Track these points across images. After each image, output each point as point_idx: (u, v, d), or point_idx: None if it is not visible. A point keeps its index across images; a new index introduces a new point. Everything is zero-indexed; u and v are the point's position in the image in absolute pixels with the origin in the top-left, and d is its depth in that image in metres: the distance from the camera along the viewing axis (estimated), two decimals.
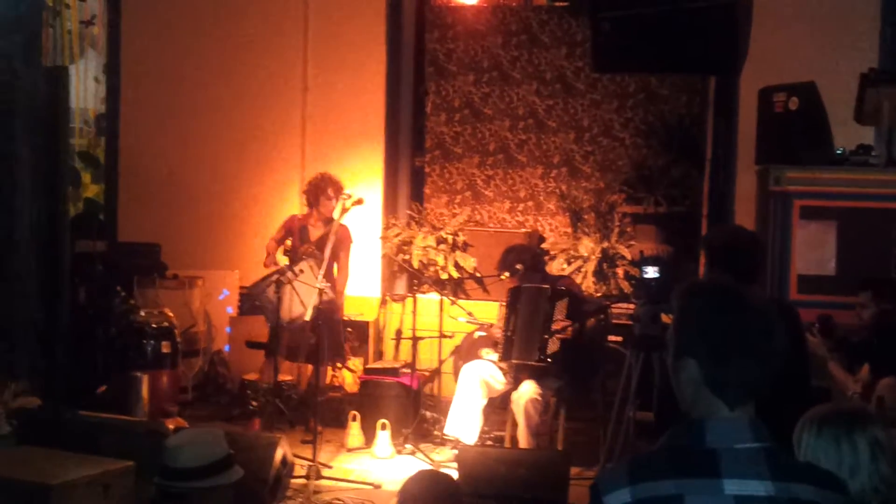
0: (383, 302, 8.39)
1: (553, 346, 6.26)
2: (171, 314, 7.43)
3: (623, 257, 7.82)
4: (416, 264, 8.19)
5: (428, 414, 7.00)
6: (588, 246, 7.89)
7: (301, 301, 6.67)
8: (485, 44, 8.81)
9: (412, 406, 6.94)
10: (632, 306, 6.78)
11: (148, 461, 4.87)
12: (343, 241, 7.08)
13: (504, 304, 6.61)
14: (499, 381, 6.45)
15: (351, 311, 8.06)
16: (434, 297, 7.25)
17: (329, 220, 7.36)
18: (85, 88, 9.30)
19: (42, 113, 6.78)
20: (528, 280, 6.55)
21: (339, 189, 7.31)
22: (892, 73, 6.69)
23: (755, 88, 6.85)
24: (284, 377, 7.44)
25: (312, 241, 7.25)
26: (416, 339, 7.07)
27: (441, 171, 8.94)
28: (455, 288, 8.18)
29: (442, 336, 7.01)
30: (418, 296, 7.31)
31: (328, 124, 8.66)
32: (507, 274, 6.68)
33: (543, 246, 8.08)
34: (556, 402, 6.33)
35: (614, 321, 6.97)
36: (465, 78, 8.85)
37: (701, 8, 6.25)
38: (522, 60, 8.74)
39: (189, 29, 8.84)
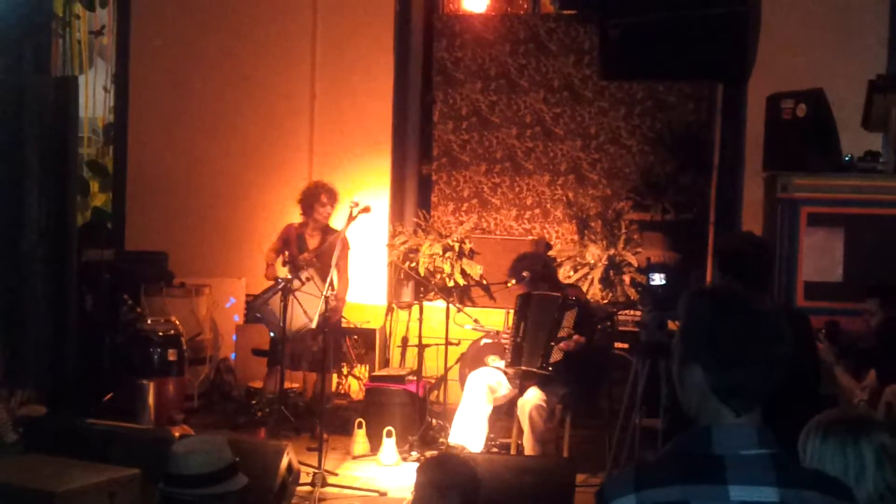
0: (389, 309, 8.39)
1: (556, 355, 6.24)
2: (177, 322, 7.44)
3: (630, 264, 7.81)
4: (422, 272, 8.19)
5: (434, 421, 6.99)
6: (595, 253, 7.89)
7: (304, 310, 6.67)
8: (492, 52, 8.82)
9: (418, 413, 6.93)
10: (638, 313, 6.78)
11: (154, 469, 4.87)
12: (343, 248, 7.07)
13: (513, 310, 6.60)
14: (505, 388, 6.44)
15: (357, 319, 8.07)
16: (440, 304, 7.24)
17: (325, 228, 7.38)
18: (94, 98, 9.34)
19: (51, 122, 6.81)
20: (535, 288, 6.54)
21: (333, 195, 7.34)
22: None
23: (763, 95, 6.83)
24: (291, 385, 7.44)
25: (311, 250, 7.27)
26: (422, 347, 7.06)
27: (448, 178, 8.95)
28: (461, 295, 8.17)
29: (448, 343, 7.00)
30: (425, 303, 7.30)
31: (336, 132, 8.67)
32: (513, 281, 6.67)
33: (550, 253, 8.07)
34: (562, 409, 6.31)
35: (621, 328, 6.96)
36: (473, 86, 8.86)
37: (709, 15, 6.25)
38: (530, 68, 8.75)
39: (197, 39, 8.87)
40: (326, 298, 6.36)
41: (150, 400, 6.73)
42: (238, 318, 8.49)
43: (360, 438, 6.74)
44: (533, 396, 6.12)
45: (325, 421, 6.41)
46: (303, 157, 8.73)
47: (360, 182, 8.33)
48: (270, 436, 6.63)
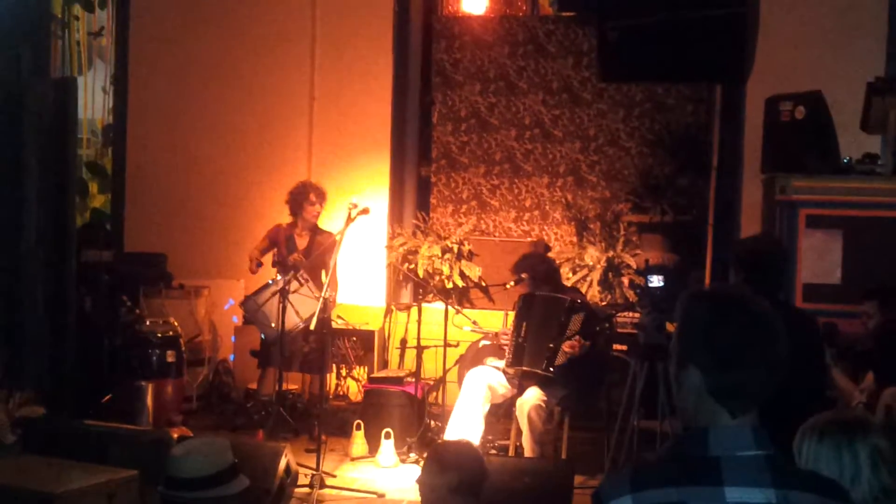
0: (388, 311, 8.39)
1: (561, 358, 6.23)
2: (176, 323, 7.44)
3: (628, 266, 7.81)
4: (421, 273, 8.19)
5: (432, 423, 6.99)
6: (594, 255, 7.89)
7: (296, 311, 6.68)
8: (491, 54, 8.83)
9: (416, 415, 6.93)
10: (637, 315, 6.78)
11: (152, 470, 4.87)
12: (331, 248, 7.05)
13: (514, 310, 6.58)
14: (503, 387, 6.44)
15: (356, 320, 8.08)
16: (439, 306, 7.24)
17: (314, 228, 7.38)
18: (93, 99, 9.34)
19: (50, 123, 6.81)
20: (536, 289, 6.53)
21: (321, 194, 7.34)
22: None
23: (761, 97, 6.84)
24: (289, 386, 7.44)
25: (300, 250, 7.27)
26: (420, 348, 7.06)
27: (447, 180, 8.95)
28: (460, 297, 8.17)
29: (447, 345, 6.99)
30: (423, 305, 7.30)
31: (335, 134, 8.68)
32: (512, 283, 6.67)
33: (549, 255, 8.07)
34: (561, 410, 6.31)
35: (619, 330, 6.96)
36: (472, 88, 8.87)
37: (707, 17, 6.25)
38: (529, 70, 8.76)
39: (196, 40, 8.88)
40: (325, 300, 6.36)
41: (149, 401, 6.73)
42: (237, 320, 8.49)
43: (358, 440, 6.75)
44: (532, 396, 6.12)
45: (323, 422, 6.41)
46: (302, 158, 8.73)
47: (359, 183, 8.34)
48: (269, 437, 6.63)
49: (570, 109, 8.68)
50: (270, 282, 6.96)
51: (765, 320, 1.90)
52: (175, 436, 5.59)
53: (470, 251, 8.33)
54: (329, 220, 7.65)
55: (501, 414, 6.58)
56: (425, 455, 3.85)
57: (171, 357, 7.16)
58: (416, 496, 6.00)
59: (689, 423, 1.92)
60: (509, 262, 7.03)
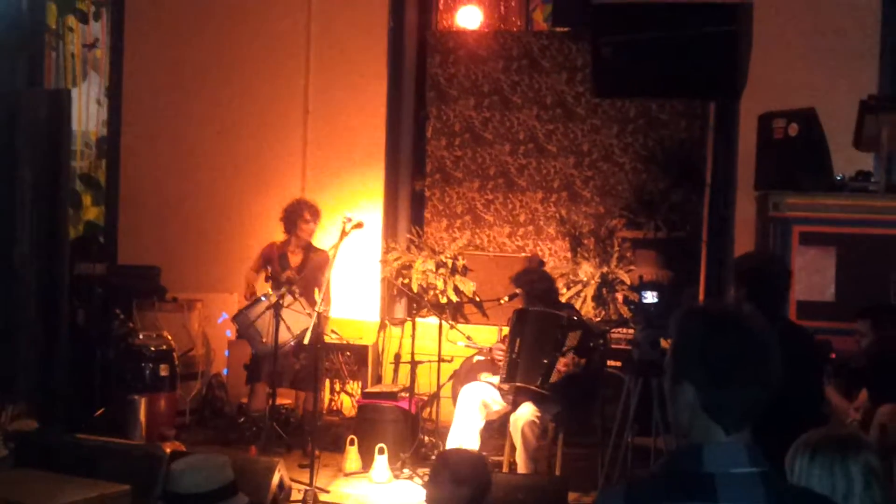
0: (382, 326, 8.38)
1: (555, 376, 6.22)
2: (169, 337, 7.42)
3: (622, 282, 7.82)
4: (415, 288, 8.19)
5: (426, 438, 6.97)
6: (587, 271, 7.90)
7: (287, 327, 6.67)
8: (486, 69, 8.85)
9: (410, 430, 6.91)
10: (631, 331, 6.78)
11: (145, 484, 4.86)
12: (324, 266, 7.05)
13: (508, 325, 6.58)
14: (497, 403, 6.43)
15: (350, 335, 8.07)
16: (433, 321, 7.24)
17: (308, 245, 7.38)
18: (87, 111, 9.32)
19: (44, 135, 6.79)
20: (531, 305, 6.52)
21: (316, 213, 7.35)
22: (891, 100, 6.71)
23: (755, 114, 6.86)
24: (282, 401, 7.43)
25: (293, 268, 7.26)
26: (414, 363, 7.05)
27: (441, 195, 8.96)
28: (454, 312, 8.17)
29: (441, 360, 6.99)
30: (417, 320, 7.30)
31: (329, 148, 8.69)
32: (506, 299, 6.68)
33: (544, 270, 8.07)
34: (555, 426, 6.30)
35: (613, 346, 6.96)
36: (466, 102, 8.89)
37: (701, 34, 6.29)
38: (523, 85, 8.78)
39: (191, 53, 8.89)
40: (319, 315, 6.35)
41: (142, 415, 6.71)
42: (230, 334, 8.47)
43: (351, 455, 6.72)
44: (526, 412, 6.11)
45: (316, 437, 6.39)
46: (296, 172, 8.73)
47: (353, 198, 8.34)
48: (262, 452, 6.60)
49: (564, 124, 8.71)
50: (263, 297, 6.95)
51: (759, 337, 1.90)
52: (168, 450, 5.56)
53: (464, 266, 8.34)
54: (323, 234, 7.65)
55: (495, 430, 6.57)
56: (432, 467, 3.84)
57: (164, 371, 7.15)
58: None
59: (684, 439, 1.92)
60: (503, 277, 7.04)
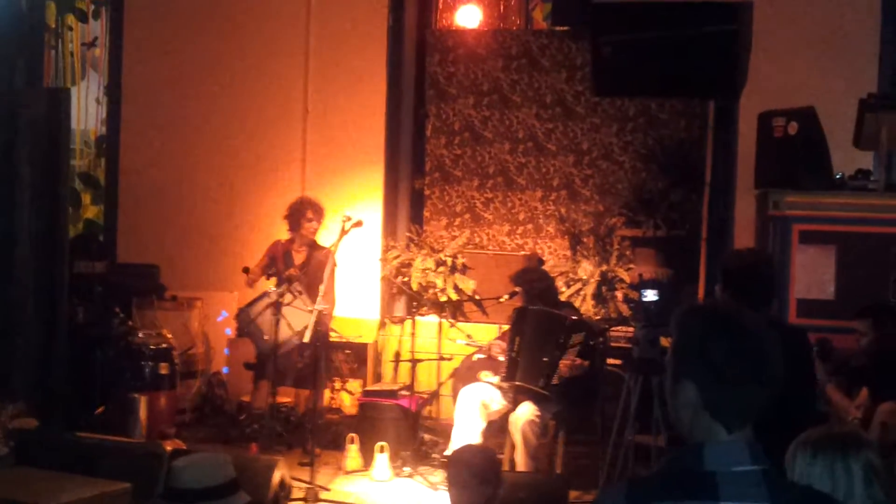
0: (382, 324, 8.38)
1: (558, 378, 6.22)
2: (169, 335, 7.42)
3: (622, 280, 7.82)
4: (415, 286, 8.19)
5: (426, 436, 6.98)
6: (587, 269, 7.90)
7: (289, 324, 6.67)
8: (485, 67, 8.85)
9: (411, 428, 6.91)
10: (631, 329, 6.78)
11: (145, 483, 4.86)
12: (326, 262, 7.06)
13: (508, 324, 6.57)
14: (498, 403, 6.43)
15: (349, 333, 8.07)
16: (433, 319, 7.25)
17: (312, 243, 7.40)
18: (86, 110, 9.33)
19: (43, 134, 6.80)
20: (531, 304, 6.52)
21: (319, 211, 7.37)
22: (890, 99, 6.71)
23: (754, 113, 6.86)
24: (283, 399, 7.43)
25: (297, 265, 7.27)
26: (414, 362, 7.06)
27: (441, 193, 8.96)
28: (454, 310, 8.17)
29: (441, 358, 6.99)
30: (417, 318, 7.31)
31: (328, 146, 8.68)
32: (506, 297, 6.68)
33: (544, 268, 8.07)
34: (556, 425, 6.30)
35: (613, 344, 6.95)
36: (466, 101, 8.89)
37: (701, 33, 6.29)
38: (522, 84, 8.78)
39: (190, 51, 8.89)
40: (319, 313, 6.36)
41: (142, 414, 6.71)
42: (230, 332, 8.47)
43: (352, 454, 6.73)
44: (526, 412, 6.11)
45: (317, 436, 6.39)
46: (295, 170, 8.73)
47: (353, 196, 8.34)
48: (262, 450, 6.61)
49: (563, 123, 8.71)
50: (265, 294, 6.95)
51: (760, 335, 1.90)
52: (168, 448, 5.57)
53: (463, 264, 8.34)
54: (323, 232, 7.65)
55: (496, 429, 6.57)
56: (449, 469, 3.85)
57: (164, 369, 7.14)
58: None
59: (685, 437, 1.93)
60: (503, 275, 7.04)
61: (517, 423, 6.09)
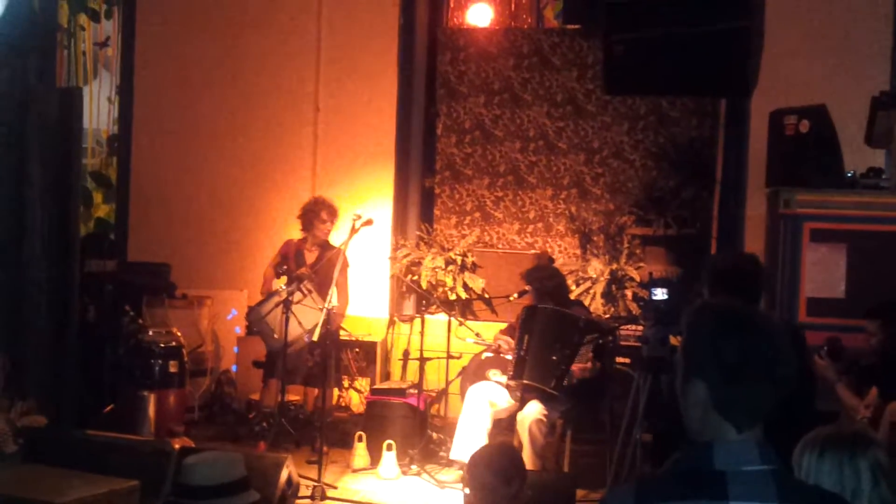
0: (391, 322, 8.39)
1: (571, 380, 6.21)
2: (179, 334, 7.43)
3: (632, 279, 7.80)
4: (424, 285, 8.19)
5: (434, 435, 6.97)
6: (597, 267, 7.88)
7: (299, 323, 6.67)
8: (496, 66, 8.84)
9: (419, 427, 6.91)
10: (640, 328, 6.76)
11: (154, 480, 4.87)
12: (343, 264, 7.07)
13: (518, 322, 6.56)
14: (505, 401, 6.42)
15: (359, 332, 8.07)
16: (442, 317, 7.24)
17: (324, 244, 7.40)
18: (98, 109, 9.36)
19: (55, 133, 6.82)
20: (540, 302, 6.50)
21: (333, 212, 7.38)
22: None
23: (766, 111, 6.84)
24: (291, 398, 7.44)
25: (309, 265, 7.28)
26: (423, 360, 7.05)
27: (451, 192, 8.95)
28: (463, 309, 8.17)
29: (449, 357, 6.99)
30: (426, 316, 7.30)
31: (339, 145, 8.69)
32: (515, 295, 6.67)
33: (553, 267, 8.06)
34: (563, 423, 6.29)
35: (622, 343, 6.94)
36: (476, 100, 8.88)
37: (712, 31, 6.28)
38: (533, 82, 8.77)
39: (201, 51, 8.90)
40: (328, 311, 6.36)
41: (151, 411, 6.72)
42: (239, 330, 8.49)
43: (360, 452, 6.73)
44: (533, 411, 6.09)
45: (325, 434, 6.40)
46: (306, 169, 8.74)
47: (363, 195, 8.35)
48: (270, 448, 6.61)
49: (574, 122, 8.69)
50: (276, 293, 6.96)
51: (770, 334, 1.90)
52: (177, 446, 5.57)
53: (473, 263, 8.33)
54: (333, 233, 7.65)
55: (504, 427, 6.56)
56: (470, 471, 3.83)
57: (173, 367, 7.16)
58: None
59: (695, 436, 1.92)
60: (513, 274, 7.03)
61: (524, 421, 6.08)
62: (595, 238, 8.32)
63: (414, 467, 6.60)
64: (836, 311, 6.09)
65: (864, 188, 6.40)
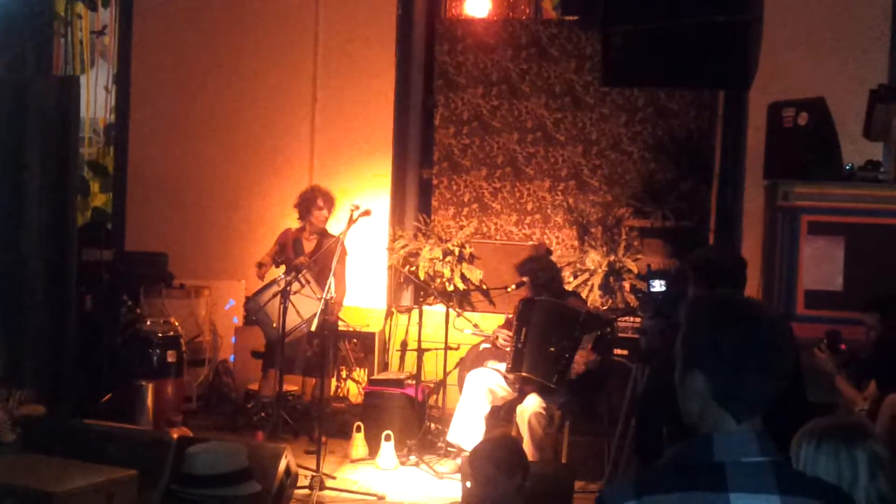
0: (389, 313, 8.39)
1: (571, 374, 6.22)
2: (176, 323, 7.43)
3: (630, 271, 7.80)
4: (422, 276, 8.19)
5: (432, 425, 6.99)
6: (595, 259, 7.89)
7: (298, 312, 6.67)
8: (494, 57, 8.83)
9: (417, 417, 6.92)
10: (638, 320, 6.77)
11: (152, 470, 4.88)
12: (341, 253, 7.05)
13: (515, 314, 6.57)
14: (503, 389, 6.43)
15: (356, 322, 8.07)
16: (440, 308, 7.24)
17: (322, 232, 7.40)
18: (95, 98, 9.34)
19: (52, 122, 6.80)
20: (537, 294, 6.51)
21: (329, 200, 7.37)
22: None
23: (764, 103, 6.84)
24: (289, 388, 7.44)
25: (307, 254, 7.28)
26: (421, 351, 7.06)
27: (449, 183, 8.95)
28: (461, 300, 8.17)
29: (447, 348, 6.99)
30: (424, 307, 7.30)
31: (337, 135, 8.67)
32: (513, 287, 6.67)
33: (551, 258, 8.06)
34: (562, 415, 6.30)
35: (620, 335, 6.95)
36: (474, 91, 8.87)
37: (711, 23, 6.26)
38: (531, 74, 8.76)
39: (199, 40, 8.88)
40: (326, 301, 6.36)
41: (149, 401, 6.72)
42: (237, 320, 8.49)
43: (358, 442, 6.74)
44: (532, 404, 6.11)
45: (323, 424, 6.40)
46: (304, 159, 8.72)
47: (361, 185, 8.33)
48: (268, 438, 6.62)
49: (572, 113, 8.68)
50: (274, 282, 6.95)
51: (769, 325, 1.89)
52: (175, 436, 5.58)
53: (471, 254, 8.33)
54: (331, 221, 7.65)
55: (502, 416, 6.57)
56: (471, 464, 3.81)
57: (171, 357, 7.15)
58: (415, 499, 6.02)
59: (694, 428, 1.92)
60: (510, 265, 7.03)
61: (524, 414, 6.09)
62: (593, 230, 8.33)
63: (412, 457, 6.62)
64: (833, 304, 6.10)
65: (863, 181, 6.40)
